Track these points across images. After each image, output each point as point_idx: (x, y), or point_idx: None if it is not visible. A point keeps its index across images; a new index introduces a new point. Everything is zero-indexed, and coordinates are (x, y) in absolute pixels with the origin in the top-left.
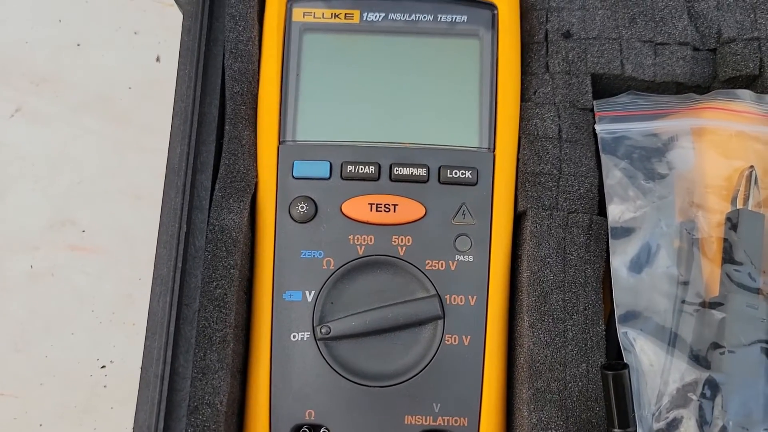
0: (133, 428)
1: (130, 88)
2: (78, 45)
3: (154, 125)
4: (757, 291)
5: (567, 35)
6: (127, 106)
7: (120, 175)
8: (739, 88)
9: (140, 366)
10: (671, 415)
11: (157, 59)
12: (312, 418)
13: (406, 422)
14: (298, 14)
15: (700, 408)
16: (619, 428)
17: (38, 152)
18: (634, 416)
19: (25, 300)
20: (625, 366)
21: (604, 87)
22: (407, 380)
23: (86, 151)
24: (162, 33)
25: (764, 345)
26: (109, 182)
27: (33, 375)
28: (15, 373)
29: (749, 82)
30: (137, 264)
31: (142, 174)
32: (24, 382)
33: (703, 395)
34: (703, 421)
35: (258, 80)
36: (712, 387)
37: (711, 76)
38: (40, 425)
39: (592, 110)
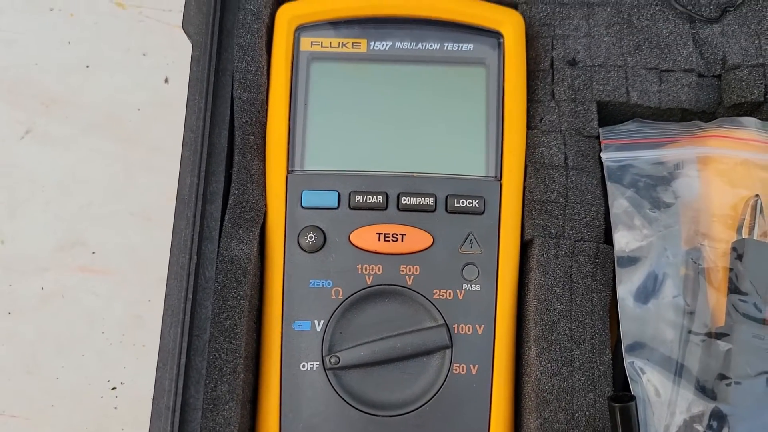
0: None
1: (139, 109)
2: (87, 66)
3: (163, 146)
4: (763, 321)
5: (573, 63)
6: (136, 127)
7: (129, 197)
8: (744, 114)
9: (151, 388)
10: None
11: (166, 80)
12: None
13: None
14: (305, 44)
15: None
16: None
17: (48, 174)
18: None
19: (36, 322)
20: (632, 398)
21: (610, 114)
22: (415, 410)
23: (96, 172)
24: (170, 54)
25: None
26: (119, 203)
27: (44, 397)
28: (26, 395)
29: (754, 109)
30: (147, 285)
31: (151, 195)
32: (35, 404)
33: (709, 427)
34: None
35: (266, 110)
36: (719, 418)
37: (716, 102)
38: None
39: (597, 138)
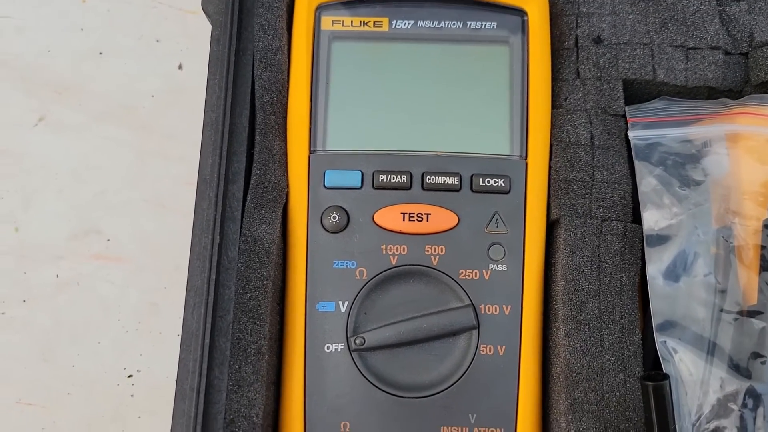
0: None
1: (152, 96)
2: (100, 53)
3: (177, 133)
4: None
5: (598, 41)
6: (149, 114)
7: (143, 184)
8: None
9: (168, 376)
10: (711, 426)
11: (179, 67)
12: (347, 430)
13: None
14: (326, 23)
15: (742, 418)
16: None
17: (62, 161)
18: (675, 428)
19: (51, 310)
20: (666, 377)
21: (636, 92)
22: (442, 391)
23: (109, 159)
24: (184, 41)
25: None
26: (133, 191)
27: (60, 385)
28: (42, 384)
29: None
30: (162, 272)
31: (165, 182)
32: (51, 393)
33: (744, 405)
34: None
35: (288, 89)
36: (754, 397)
37: (743, 80)
38: None
39: (624, 116)
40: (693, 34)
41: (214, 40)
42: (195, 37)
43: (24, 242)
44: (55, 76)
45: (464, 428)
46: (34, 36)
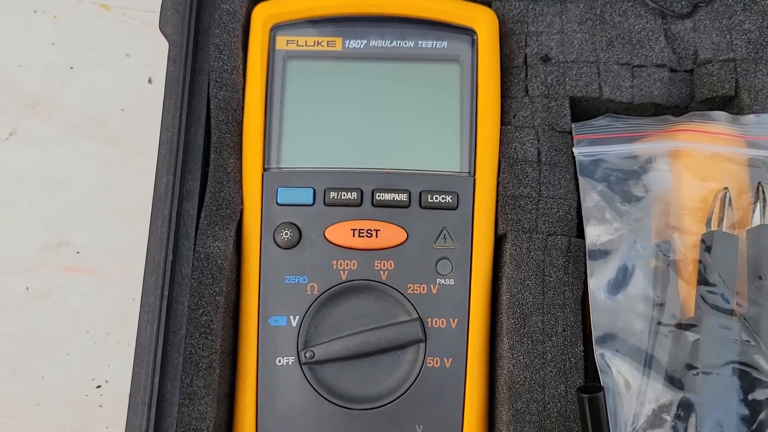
0: None
1: (122, 109)
2: (71, 68)
3: (147, 146)
4: (731, 312)
5: (546, 59)
6: (119, 127)
7: (113, 197)
8: (716, 108)
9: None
10: None
11: (149, 81)
12: None
13: None
14: (281, 42)
15: (675, 429)
16: None
17: (33, 175)
18: None
19: (21, 321)
20: (600, 389)
21: (583, 109)
22: (390, 402)
23: (80, 173)
24: (153, 55)
25: (737, 366)
26: (103, 203)
27: (29, 396)
28: (12, 395)
29: (726, 103)
30: (131, 284)
31: (134, 195)
32: (21, 403)
33: (677, 416)
34: None
35: (243, 108)
36: (686, 408)
37: (688, 96)
38: None
39: (570, 133)
40: (639, 52)
41: (171, 60)
42: (165, 51)
43: None
44: (27, 91)
45: None
46: (5, 50)
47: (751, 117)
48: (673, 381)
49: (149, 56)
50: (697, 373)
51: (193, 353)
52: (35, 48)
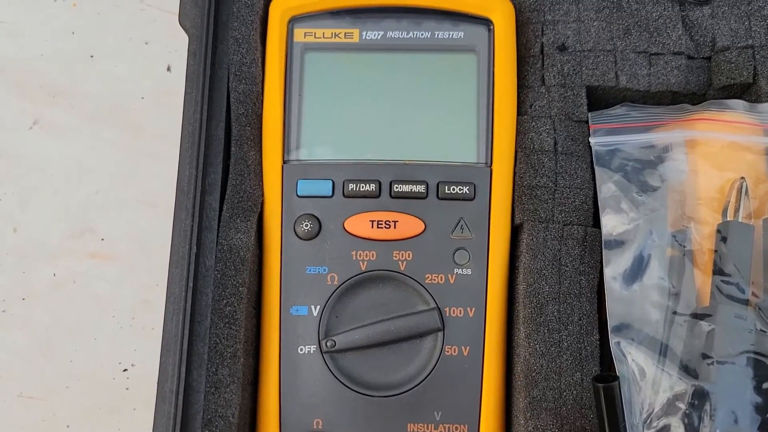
0: None
1: (142, 97)
2: (91, 57)
3: (167, 133)
4: (746, 302)
5: (562, 48)
6: (140, 115)
7: (135, 184)
8: (733, 95)
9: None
10: (661, 423)
11: (168, 69)
12: (320, 427)
13: (408, 430)
14: (299, 35)
15: (689, 416)
16: None
17: (56, 163)
18: (624, 425)
19: (49, 307)
20: (616, 378)
21: (600, 98)
22: (409, 390)
23: (102, 161)
24: (172, 43)
25: (751, 355)
26: (125, 191)
27: (59, 379)
28: (42, 378)
29: (743, 90)
30: (154, 270)
31: (156, 182)
32: (51, 386)
33: (691, 404)
34: (691, 430)
35: (262, 101)
36: (700, 396)
37: (706, 84)
38: (67, 426)
39: (587, 122)
40: (656, 40)
41: (191, 54)
42: (183, 39)
43: (22, 242)
44: (49, 80)
45: (430, 425)
46: (26, 40)
47: None
48: (687, 370)
49: (168, 44)
50: (712, 363)
51: (218, 343)
52: (56, 37)
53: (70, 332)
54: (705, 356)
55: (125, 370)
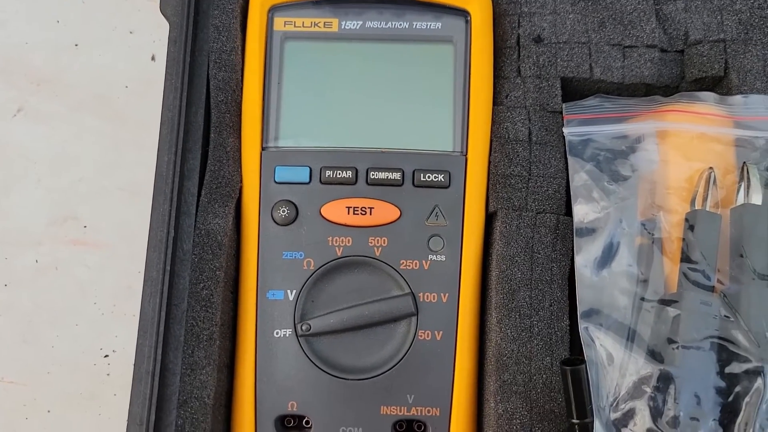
0: (128, 421)
1: (126, 86)
2: (76, 45)
3: (151, 123)
4: (711, 289)
5: (538, 40)
6: (124, 104)
7: (118, 172)
8: (705, 88)
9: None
10: (627, 406)
11: (152, 58)
12: (294, 409)
13: (381, 412)
14: (279, 23)
15: (654, 399)
16: (577, 419)
17: (40, 151)
18: (591, 408)
19: (31, 293)
20: (582, 361)
21: (574, 90)
22: (383, 373)
23: (86, 149)
24: (156, 32)
25: (715, 340)
26: (109, 179)
27: (40, 364)
28: (23, 363)
29: (715, 83)
30: (136, 257)
31: (139, 170)
32: (32, 371)
33: (656, 387)
34: (656, 412)
35: (241, 89)
36: (666, 380)
37: (679, 76)
38: (48, 411)
39: (561, 113)
40: (630, 33)
41: (171, 41)
42: (167, 28)
43: (5, 228)
44: (33, 68)
45: (403, 408)
46: (12, 28)
47: (738, 98)
48: (654, 354)
49: (152, 33)
50: (677, 347)
51: (194, 325)
52: (41, 25)
53: (52, 318)
54: (671, 341)
55: (106, 356)
